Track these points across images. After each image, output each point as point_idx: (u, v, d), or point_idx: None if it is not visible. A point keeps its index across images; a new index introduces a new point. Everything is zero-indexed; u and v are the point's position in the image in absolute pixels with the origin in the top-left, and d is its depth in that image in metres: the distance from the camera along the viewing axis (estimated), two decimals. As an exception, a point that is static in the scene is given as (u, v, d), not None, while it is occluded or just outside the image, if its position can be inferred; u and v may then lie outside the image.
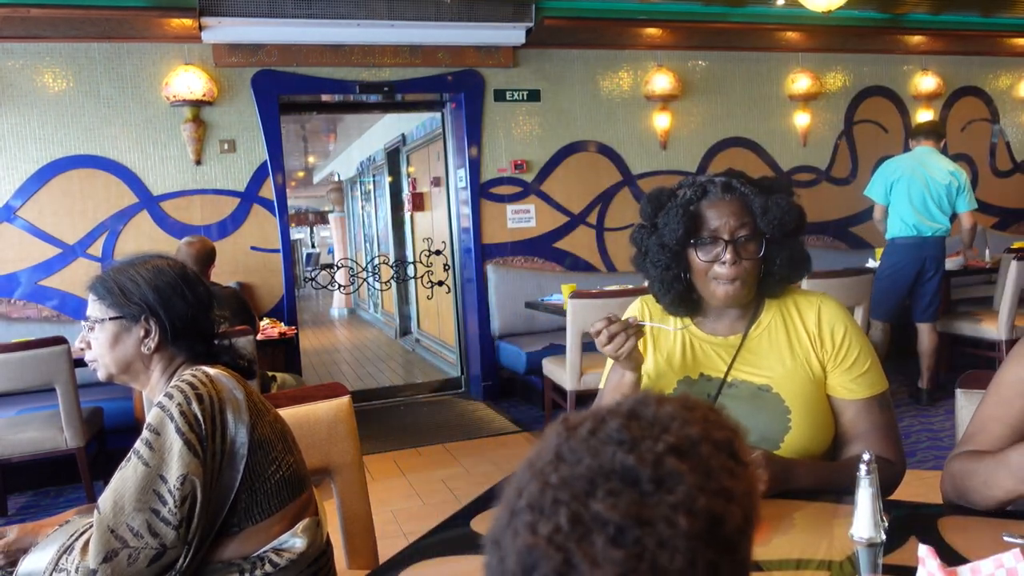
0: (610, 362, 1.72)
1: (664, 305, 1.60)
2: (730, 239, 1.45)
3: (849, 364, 1.51)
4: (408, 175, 7.82)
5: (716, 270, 1.47)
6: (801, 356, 1.52)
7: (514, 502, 0.49)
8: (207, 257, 3.94)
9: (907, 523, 1.27)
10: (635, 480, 0.46)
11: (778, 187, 1.52)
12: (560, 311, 4.38)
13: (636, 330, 1.44)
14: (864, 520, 1.18)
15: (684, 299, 1.55)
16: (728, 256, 1.45)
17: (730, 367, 1.53)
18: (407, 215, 7.99)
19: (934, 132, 4.66)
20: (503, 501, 0.50)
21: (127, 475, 1.28)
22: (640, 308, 1.68)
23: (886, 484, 1.41)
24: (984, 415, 1.37)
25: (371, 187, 10.05)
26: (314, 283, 6.90)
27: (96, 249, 4.70)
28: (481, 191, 5.39)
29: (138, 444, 1.29)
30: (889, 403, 1.54)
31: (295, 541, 1.39)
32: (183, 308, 1.42)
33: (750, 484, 0.49)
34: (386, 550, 1.66)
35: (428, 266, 6.25)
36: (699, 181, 1.50)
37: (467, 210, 5.44)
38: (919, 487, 1.56)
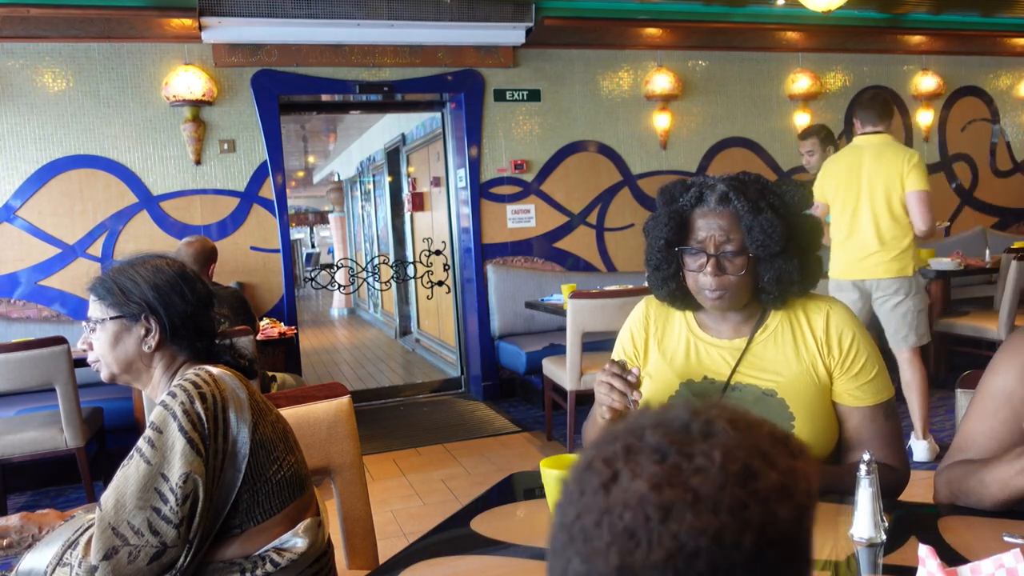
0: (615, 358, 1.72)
1: (660, 298, 1.61)
2: (714, 253, 1.45)
3: (856, 371, 1.50)
4: (408, 175, 7.82)
5: (700, 280, 1.48)
6: (807, 361, 1.51)
7: (585, 450, 0.55)
8: (206, 257, 3.93)
9: (907, 523, 1.27)
10: (687, 428, 0.52)
11: (788, 203, 1.47)
12: (560, 311, 4.38)
13: (624, 397, 1.41)
14: (864, 520, 1.18)
15: (678, 296, 1.57)
16: (709, 269, 1.45)
17: (734, 370, 1.52)
18: (407, 215, 7.99)
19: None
20: (582, 451, 0.57)
21: (129, 473, 1.28)
22: (644, 309, 1.67)
23: (889, 491, 1.41)
24: (968, 428, 1.37)
25: (371, 187, 10.05)
26: (314, 283, 6.90)
27: (96, 249, 4.70)
28: (481, 191, 5.39)
29: (140, 442, 1.29)
30: (894, 410, 1.53)
31: (296, 541, 1.39)
32: (182, 306, 1.42)
33: (799, 469, 0.51)
34: (386, 550, 1.66)
35: (428, 266, 6.25)
36: (704, 183, 1.49)
37: (467, 210, 5.44)
38: (919, 487, 1.56)
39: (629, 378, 1.41)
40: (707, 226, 1.46)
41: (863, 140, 3.78)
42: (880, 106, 3.80)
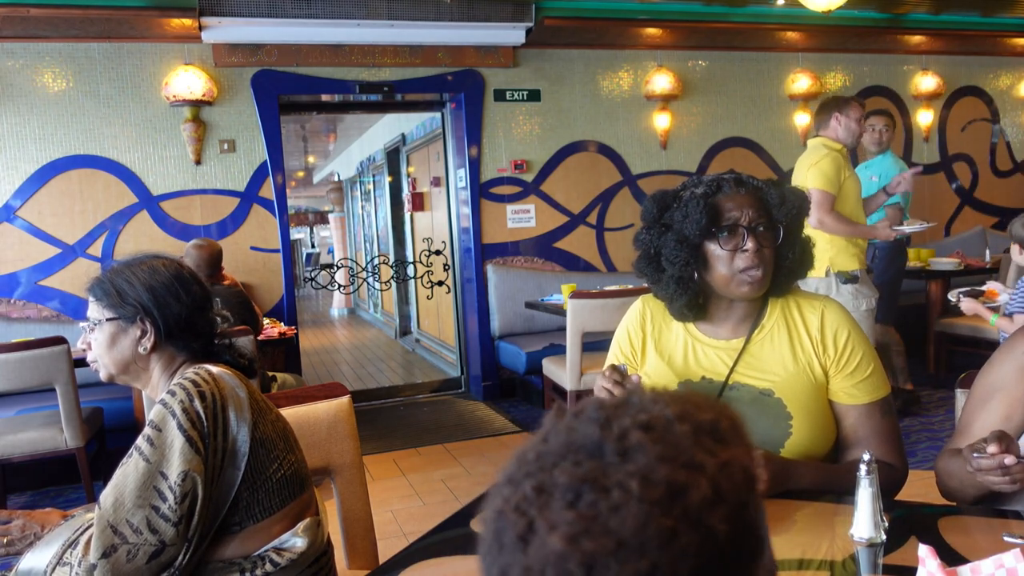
0: (611, 358, 1.72)
1: (676, 309, 1.55)
2: (751, 226, 1.45)
3: (852, 369, 1.50)
4: (408, 175, 7.81)
5: (737, 262, 1.45)
6: (803, 361, 1.51)
7: (498, 479, 0.51)
8: (218, 259, 3.96)
9: (907, 523, 1.27)
10: (600, 452, 0.47)
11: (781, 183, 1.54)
12: (560, 311, 4.38)
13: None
14: (864, 520, 1.18)
15: (693, 303, 1.52)
16: (750, 244, 1.44)
17: (732, 370, 1.52)
18: (407, 215, 7.98)
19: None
20: (498, 475, 0.53)
21: (128, 471, 1.28)
22: (641, 308, 1.67)
23: (888, 489, 1.41)
24: (964, 420, 1.42)
25: (371, 187, 10.05)
26: (314, 283, 6.90)
27: (96, 249, 4.70)
28: (481, 191, 5.39)
29: (140, 440, 1.30)
30: (891, 408, 1.54)
31: (296, 540, 1.39)
32: (178, 308, 1.42)
33: (730, 462, 0.48)
34: (386, 550, 1.66)
35: (428, 266, 6.25)
36: (709, 179, 1.49)
37: (467, 210, 5.44)
38: (919, 487, 1.56)
39: (629, 385, 1.41)
40: (736, 205, 1.46)
41: None
42: (815, 114, 4.02)
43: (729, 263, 1.46)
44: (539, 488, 0.47)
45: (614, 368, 1.44)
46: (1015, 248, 3.31)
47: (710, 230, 1.45)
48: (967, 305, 3.38)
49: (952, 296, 3.49)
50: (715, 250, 1.47)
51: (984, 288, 3.58)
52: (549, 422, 0.53)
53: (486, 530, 0.50)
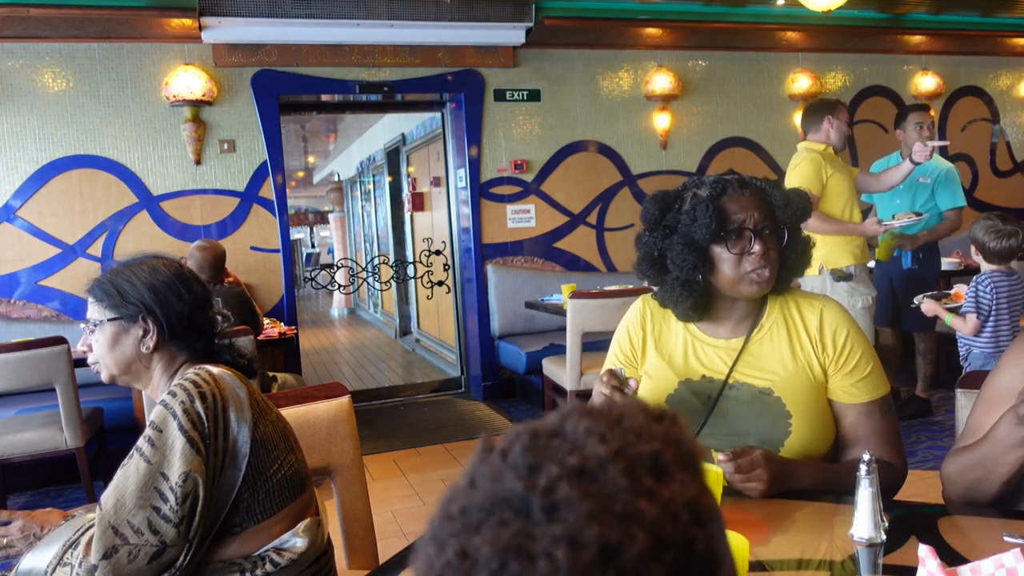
0: (611, 358, 1.72)
1: (681, 310, 1.54)
2: (757, 228, 1.46)
3: (851, 368, 1.50)
4: (408, 175, 7.82)
5: (745, 264, 1.46)
6: (803, 360, 1.51)
7: (426, 529, 0.47)
8: (221, 260, 3.97)
9: (907, 523, 1.27)
10: (526, 510, 0.43)
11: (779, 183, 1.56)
12: (560, 311, 4.38)
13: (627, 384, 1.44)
14: (864, 520, 1.18)
15: (699, 304, 1.52)
16: (758, 247, 1.45)
17: (731, 369, 1.53)
18: (407, 215, 7.98)
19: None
20: (429, 520, 0.48)
21: (129, 472, 1.28)
22: (641, 308, 1.67)
23: (887, 488, 1.41)
24: (972, 423, 1.40)
25: (371, 187, 10.05)
26: (314, 283, 6.90)
27: (96, 249, 4.70)
28: (481, 191, 5.39)
29: (140, 441, 1.30)
30: (891, 407, 1.53)
31: (296, 541, 1.39)
32: (180, 307, 1.42)
33: (672, 501, 0.44)
34: (386, 550, 1.66)
35: (428, 266, 6.25)
36: (712, 180, 1.49)
37: (467, 210, 5.44)
38: (919, 487, 1.56)
39: (627, 390, 1.41)
40: (742, 207, 1.47)
41: None
42: (802, 117, 4.10)
43: (736, 265, 1.47)
44: (462, 553, 0.43)
45: (612, 373, 1.44)
46: (972, 249, 3.41)
47: (719, 234, 1.46)
48: (927, 306, 3.51)
49: (916, 299, 3.59)
50: (721, 253, 1.47)
51: (951, 291, 3.70)
52: (476, 461, 0.48)
53: None
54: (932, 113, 4.55)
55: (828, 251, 3.75)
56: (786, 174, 3.95)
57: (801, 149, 3.94)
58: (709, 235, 1.45)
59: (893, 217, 4.12)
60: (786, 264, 1.52)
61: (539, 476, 0.44)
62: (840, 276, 3.75)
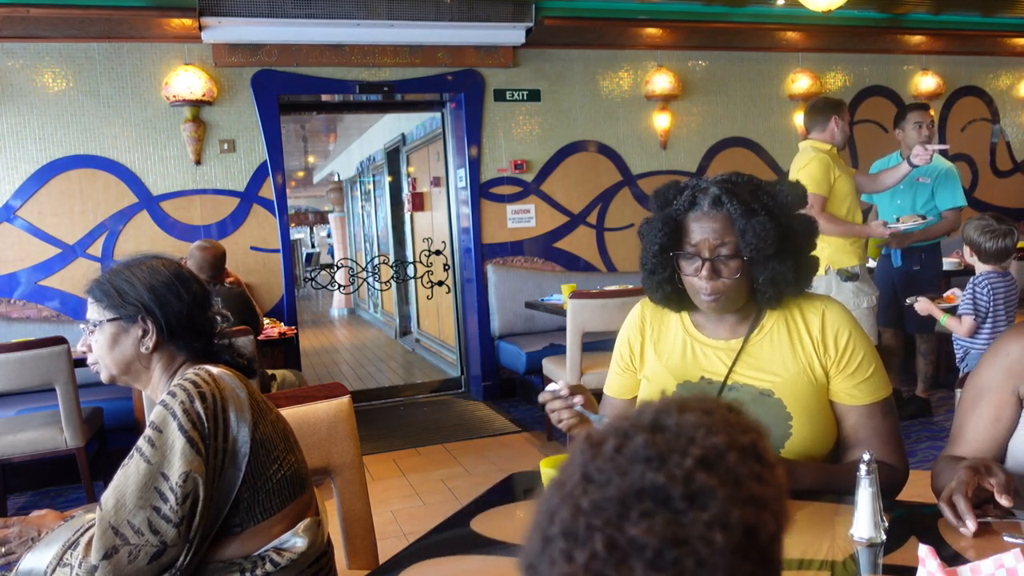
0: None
1: (655, 301, 1.60)
2: (708, 257, 1.44)
3: (852, 370, 1.49)
4: (408, 175, 7.82)
5: (696, 283, 1.47)
6: (804, 361, 1.50)
7: (546, 528, 0.47)
8: (221, 260, 3.97)
9: (907, 523, 1.27)
10: (667, 499, 0.45)
11: (782, 204, 1.46)
12: (560, 311, 4.38)
13: (571, 410, 1.47)
14: (864, 520, 1.18)
15: (673, 298, 1.56)
16: (704, 273, 1.45)
17: (730, 370, 1.52)
18: (407, 215, 7.99)
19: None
20: (534, 525, 0.49)
21: (129, 472, 1.28)
22: (640, 312, 1.67)
23: (888, 490, 1.41)
24: (957, 422, 1.44)
25: (371, 187, 10.05)
26: (314, 283, 6.90)
27: (96, 249, 4.70)
28: (481, 191, 5.39)
29: (141, 441, 1.30)
30: (892, 409, 1.53)
31: (296, 541, 1.39)
32: (179, 307, 1.42)
33: (779, 486, 0.49)
34: (386, 550, 1.66)
35: (428, 266, 6.25)
36: (696, 186, 1.48)
37: (467, 210, 5.44)
38: (919, 487, 1.56)
39: (563, 394, 1.47)
40: (701, 230, 1.45)
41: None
42: (806, 114, 4.02)
43: (690, 281, 1.49)
44: (611, 545, 0.44)
45: (554, 395, 1.48)
46: (967, 250, 3.41)
47: (670, 252, 1.49)
48: (921, 305, 3.52)
49: (909, 299, 3.61)
50: (682, 264, 1.50)
51: (946, 294, 3.75)
52: (583, 457, 0.50)
53: None
54: (932, 112, 4.55)
55: (834, 251, 3.75)
56: (790, 172, 3.91)
57: (807, 148, 3.89)
58: (655, 254, 1.49)
59: (898, 220, 4.12)
60: (756, 288, 1.48)
61: (672, 467, 0.46)
62: (847, 276, 3.77)
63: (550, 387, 1.50)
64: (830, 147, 3.85)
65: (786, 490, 0.50)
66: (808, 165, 3.76)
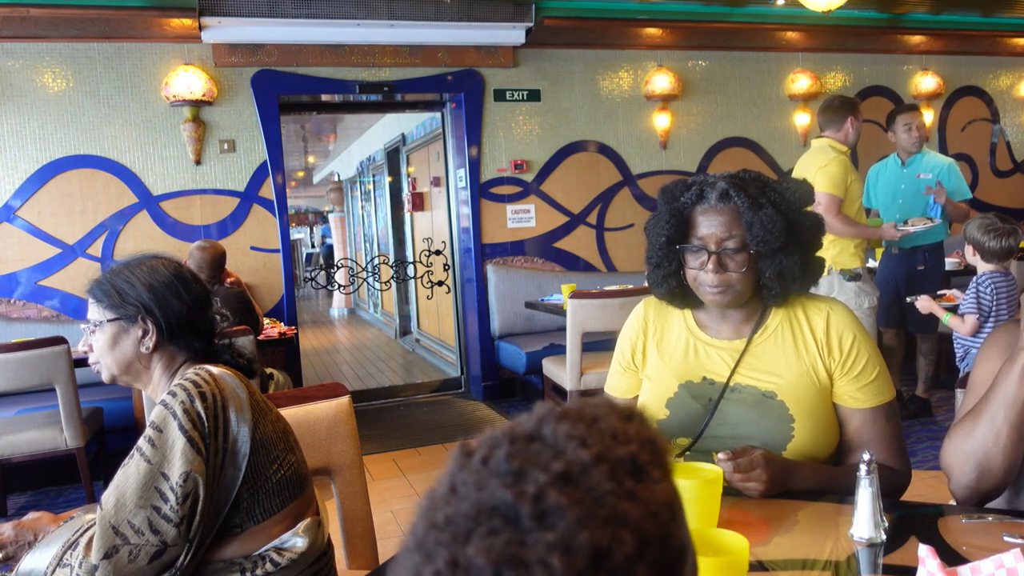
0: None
1: (659, 296, 1.60)
2: (715, 250, 1.45)
3: (856, 372, 1.49)
4: (408, 175, 7.82)
5: (701, 277, 1.47)
6: (808, 363, 1.49)
7: (408, 539, 0.46)
8: (221, 261, 3.97)
9: (907, 523, 1.27)
10: (516, 518, 0.43)
11: (789, 200, 1.46)
12: (560, 311, 4.38)
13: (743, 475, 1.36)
14: (864, 520, 1.18)
15: (678, 294, 1.56)
16: (711, 267, 1.45)
17: (733, 371, 1.51)
18: (407, 215, 7.99)
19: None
20: (409, 529, 0.48)
21: (129, 472, 1.28)
22: (643, 311, 1.67)
23: (891, 493, 1.41)
24: (962, 414, 1.41)
25: (371, 187, 10.05)
26: (314, 283, 6.90)
27: (96, 249, 4.70)
28: (481, 191, 5.39)
29: (141, 441, 1.30)
30: (896, 412, 1.52)
31: (296, 540, 1.39)
32: (179, 307, 1.42)
33: (656, 502, 0.45)
34: (386, 550, 1.66)
35: (428, 266, 6.25)
36: (704, 181, 1.49)
37: (467, 210, 5.44)
38: (919, 487, 1.56)
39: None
40: (708, 223, 1.46)
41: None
42: (821, 111, 3.98)
43: (696, 275, 1.49)
44: (453, 563, 0.42)
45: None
46: (969, 249, 3.42)
47: (677, 245, 1.49)
48: (923, 303, 3.54)
49: (911, 298, 3.65)
50: (687, 258, 1.50)
51: (945, 294, 3.80)
52: (455, 467, 0.48)
53: None
54: (921, 112, 4.55)
55: (838, 252, 3.77)
56: (802, 166, 3.86)
57: (825, 147, 3.83)
58: (661, 246, 1.49)
59: (907, 222, 4.13)
60: (763, 283, 1.48)
61: (526, 483, 0.44)
62: (851, 276, 3.79)
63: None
64: (847, 149, 3.85)
65: (670, 505, 0.46)
66: (828, 165, 3.72)
